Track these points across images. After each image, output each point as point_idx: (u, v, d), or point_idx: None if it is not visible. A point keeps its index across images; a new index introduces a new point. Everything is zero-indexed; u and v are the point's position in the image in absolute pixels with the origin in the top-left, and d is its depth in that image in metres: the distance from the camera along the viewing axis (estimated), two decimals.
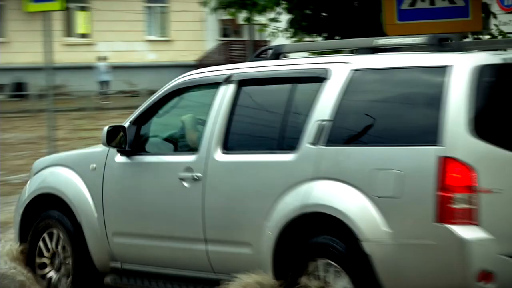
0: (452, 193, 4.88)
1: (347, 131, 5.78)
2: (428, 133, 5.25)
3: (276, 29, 16.35)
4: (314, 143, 5.73)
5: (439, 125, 5.11)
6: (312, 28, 14.75)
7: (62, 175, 7.86)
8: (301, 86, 6.26)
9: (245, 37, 29.60)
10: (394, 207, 5.18)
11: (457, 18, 9.98)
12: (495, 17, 14.99)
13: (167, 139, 7.45)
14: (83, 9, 39.91)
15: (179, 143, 7.36)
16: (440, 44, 5.74)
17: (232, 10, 17.58)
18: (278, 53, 6.68)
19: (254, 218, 5.94)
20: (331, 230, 5.43)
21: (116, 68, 37.82)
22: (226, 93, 6.50)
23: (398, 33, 9.19)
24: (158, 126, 7.64)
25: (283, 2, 14.92)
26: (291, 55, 7.17)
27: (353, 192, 5.35)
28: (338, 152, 5.66)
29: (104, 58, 37.82)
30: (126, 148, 7.08)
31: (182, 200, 6.54)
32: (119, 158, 7.21)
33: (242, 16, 17.56)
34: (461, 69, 5.23)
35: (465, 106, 5.08)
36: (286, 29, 15.51)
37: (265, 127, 6.69)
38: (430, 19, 9.98)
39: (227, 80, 6.48)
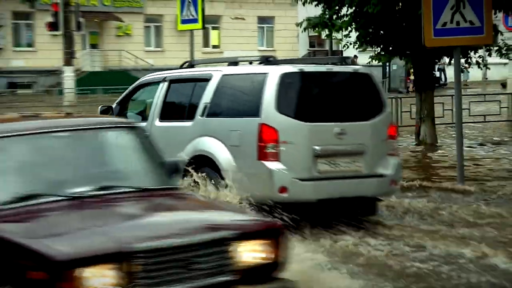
0: (265, 143, 7.96)
1: (217, 108, 8.92)
2: (254, 110, 8.36)
3: (348, 42, 18.86)
4: (201, 116, 8.92)
5: (260, 106, 8.25)
6: (373, 42, 17.73)
7: None
8: (198, 83, 9.43)
9: (327, 47, 36.11)
10: (238, 151, 8.27)
11: (475, 35, 11.67)
12: (501, 34, 18.96)
13: (137, 113, 10.79)
14: (215, 28, 47.56)
15: (143, 115, 10.47)
16: (267, 60, 9.10)
17: (318, 29, 20.31)
18: (192, 65, 10.59)
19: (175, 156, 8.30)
20: (209, 164, 8.54)
21: None
22: (162, 87, 9.78)
23: (434, 45, 12.50)
24: (131, 106, 11.14)
25: (353, 23, 17.18)
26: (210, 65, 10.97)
27: (219, 143, 8.53)
28: (212, 121, 8.86)
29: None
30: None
31: None
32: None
33: (324, 33, 20.62)
34: (273, 75, 8.34)
35: (274, 96, 8.13)
36: (355, 42, 18.45)
37: (180, 106, 10.05)
38: (456, 36, 11.57)
39: (163, 80, 9.83)
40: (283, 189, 7.85)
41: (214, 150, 8.49)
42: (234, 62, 10.07)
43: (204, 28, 18.72)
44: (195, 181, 7.89)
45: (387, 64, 35.75)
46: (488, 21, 11.47)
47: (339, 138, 8.17)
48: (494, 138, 19.46)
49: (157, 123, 9.46)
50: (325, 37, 25.20)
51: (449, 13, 11.07)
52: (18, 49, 43.29)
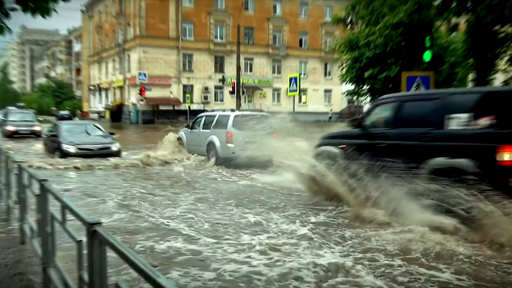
0: (227, 137, 17.12)
1: (215, 125, 18.33)
2: (225, 126, 17.30)
3: (365, 102, 22.66)
4: (212, 127, 18.22)
5: (227, 124, 17.29)
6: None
7: (181, 133, 21.04)
8: (225, 116, 18.22)
9: (356, 103, 35.98)
10: (221, 141, 17.35)
11: None
12: None
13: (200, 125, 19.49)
14: (304, 94, 57.93)
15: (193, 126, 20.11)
16: (231, 110, 18.44)
17: (352, 95, 24.19)
18: (232, 110, 23.69)
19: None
20: (212, 145, 17.85)
21: None
22: (215, 116, 19.22)
23: None
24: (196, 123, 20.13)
25: (368, 93, 21.14)
26: None
27: (216, 138, 17.63)
28: (215, 129, 18.07)
29: None
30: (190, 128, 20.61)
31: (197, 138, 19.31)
32: (188, 130, 20.71)
33: (355, 97, 23.71)
34: (232, 114, 17.79)
35: (231, 121, 17.23)
36: (369, 102, 21.54)
37: (209, 124, 18.69)
38: None
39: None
40: (233, 153, 16.76)
41: (214, 141, 17.52)
42: (223, 110, 19.28)
43: (299, 94, 28.92)
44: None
45: None
46: None
47: (254, 136, 16.11)
48: None
49: (200, 130, 18.78)
50: (355, 99, 31.41)
51: (414, 87, 13.88)
52: (216, 102, 56.96)
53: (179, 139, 20.50)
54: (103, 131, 20.55)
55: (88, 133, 19.63)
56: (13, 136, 27.89)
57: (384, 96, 10.69)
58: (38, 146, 23.46)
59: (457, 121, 8.14)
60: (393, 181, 8.53)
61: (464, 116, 8.04)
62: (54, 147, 18.72)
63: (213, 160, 17.12)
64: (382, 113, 9.94)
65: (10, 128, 28.94)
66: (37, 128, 29.70)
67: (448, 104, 8.39)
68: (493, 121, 7.66)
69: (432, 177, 7.93)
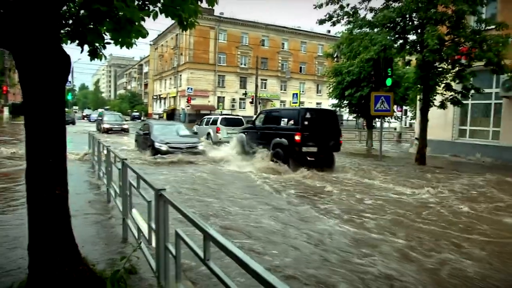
0: (217, 131, 18.95)
1: (217, 122, 19.41)
2: (216, 124, 19.34)
3: (345, 111, 23.70)
4: (214, 124, 19.71)
5: (216, 123, 19.62)
6: (353, 112, 21.90)
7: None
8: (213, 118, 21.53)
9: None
10: (214, 131, 19.19)
11: (387, 112, 15.13)
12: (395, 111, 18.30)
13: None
14: None
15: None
16: (221, 114, 21.82)
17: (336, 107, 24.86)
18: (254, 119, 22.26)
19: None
20: (208, 134, 19.68)
21: None
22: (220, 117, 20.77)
23: (374, 114, 15.71)
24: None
25: (347, 107, 21.91)
26: None
27: (211, 129, 19.48)
28: (212, 126, 19.76)
29: None
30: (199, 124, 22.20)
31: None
32: (198, 126, 21.64)
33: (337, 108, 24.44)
34: (220, 117, 20.30)
35: (220, 120, 19.50)
36: (348, 112, 23.08)
37: (213, 121, 20.28)
38: (380, 112, 15.69)
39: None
40: (220, 139, 18.34)
41: (210, 131, 18.87)
42: (217, 114, 21.13)
43: (299, 105, 26.59)
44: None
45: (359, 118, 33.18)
46: (391, 107, 15.23)
47: (232, 130, 17.63)
48: None
49: (203, 126, 19.98)
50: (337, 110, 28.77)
51: (379, 103, 14.77)
52: (240, 109, 55.22)
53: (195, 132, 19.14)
54: (189, 131, 16.91)
55: (177, 133, 15.53)
56: (108, 132, 26.61)
57: (262, 110, 16.75)
58: (125, 138, 22.34)
59: (283, 122, 12.25)
60: (261, 147, 12.80)
61: (285, 120, 12.23)
62: (147, 144, 14.60)
63: (210, 141, 18.85)
64: (261, 117, 13.98)
65: (106, 125, 27.51)
66: (125, 126, 28.43)
67: (282, 115, 12.63)
68: (292, 122, 11.76)
69: (273, 147, 12.22)
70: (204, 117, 22.51)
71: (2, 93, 36.38)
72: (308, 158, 11.45)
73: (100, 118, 31.03)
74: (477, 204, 7.77)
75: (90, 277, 2.89)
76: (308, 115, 11.47)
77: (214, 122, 19.30)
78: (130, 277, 3.47)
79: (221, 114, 22.14)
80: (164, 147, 13.68)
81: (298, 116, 11.43)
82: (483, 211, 7.27)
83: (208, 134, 19.28)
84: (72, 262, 2.82)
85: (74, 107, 70.12)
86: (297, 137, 11.12)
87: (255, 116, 15.33)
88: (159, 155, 13.37)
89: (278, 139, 11.87)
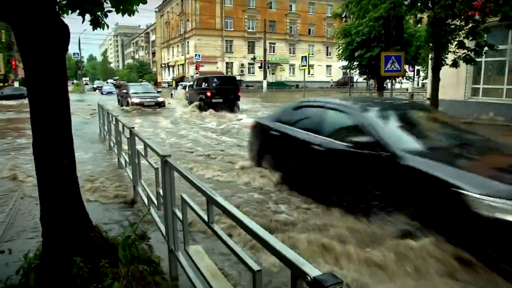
0: None
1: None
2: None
3: (356, 74, 23.09)
4: None
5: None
6: (364, 73, 21.34)
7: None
8: None
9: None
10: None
11: (398, 72, 12.88)
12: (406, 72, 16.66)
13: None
14: None
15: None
16: None
17: (346, 69, 23.47)
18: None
19: None
20: None
21: None
22: None
23: (384, 74, 14.33)
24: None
25: (358, 68, 21.33)
26: None
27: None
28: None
29: None
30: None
31: None
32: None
33: (347, 71, 23.60)
34: None
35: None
36: (359, 74, 22.43)
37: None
38: (391, 72, 13.09)
39: None
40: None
41: (173, 92, 20.95)
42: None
43: (308, 68, 25.24)
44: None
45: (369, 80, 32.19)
46: (402, 67, 13.41)
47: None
48: None
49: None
50: (348, 71, 28.44)
51: (390, 63, 13.50)
52: (249, 74, 53.96)
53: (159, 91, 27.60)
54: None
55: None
56: (138, 107, 20.44)
57: (196, 77, 23.39)
58: (168, 122, 21.24)
59: (204, 85, 19.25)
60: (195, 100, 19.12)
61: (205, 84, 19.68)
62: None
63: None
64: (195, 81, 20.36)
65: (135, 100, 20.86)
66: (161, 99, 21.70)
67: (202, 79, 20.53)
68: (207, 85, 19.11)
69: (199, 100, 19.40)
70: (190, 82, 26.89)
71: (12, 67, 36.53)
72: (216, 105, 18.42)
73: (121, 89, 25.37)
74: None
75: (102, 243, 2.97)
76: (215, 80, 19.12)
77: (185, 87, 26.06)
78: (142, 242, 3.57)
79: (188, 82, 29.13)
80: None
81: (210, 81, 19.12)
82: None
83: (171, 94, 28.18)
84: (83, 230, 2.89)
85: (85, 78, 70.02)
86: (208, 93, 18.50)
87: (193, 82, 22.37)
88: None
89: (201, 95, 19.20)
